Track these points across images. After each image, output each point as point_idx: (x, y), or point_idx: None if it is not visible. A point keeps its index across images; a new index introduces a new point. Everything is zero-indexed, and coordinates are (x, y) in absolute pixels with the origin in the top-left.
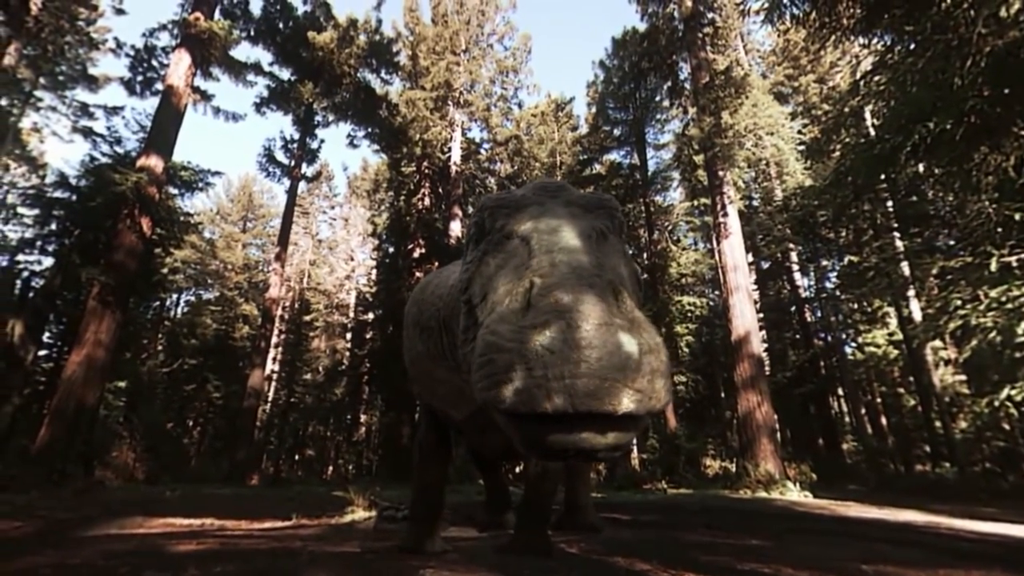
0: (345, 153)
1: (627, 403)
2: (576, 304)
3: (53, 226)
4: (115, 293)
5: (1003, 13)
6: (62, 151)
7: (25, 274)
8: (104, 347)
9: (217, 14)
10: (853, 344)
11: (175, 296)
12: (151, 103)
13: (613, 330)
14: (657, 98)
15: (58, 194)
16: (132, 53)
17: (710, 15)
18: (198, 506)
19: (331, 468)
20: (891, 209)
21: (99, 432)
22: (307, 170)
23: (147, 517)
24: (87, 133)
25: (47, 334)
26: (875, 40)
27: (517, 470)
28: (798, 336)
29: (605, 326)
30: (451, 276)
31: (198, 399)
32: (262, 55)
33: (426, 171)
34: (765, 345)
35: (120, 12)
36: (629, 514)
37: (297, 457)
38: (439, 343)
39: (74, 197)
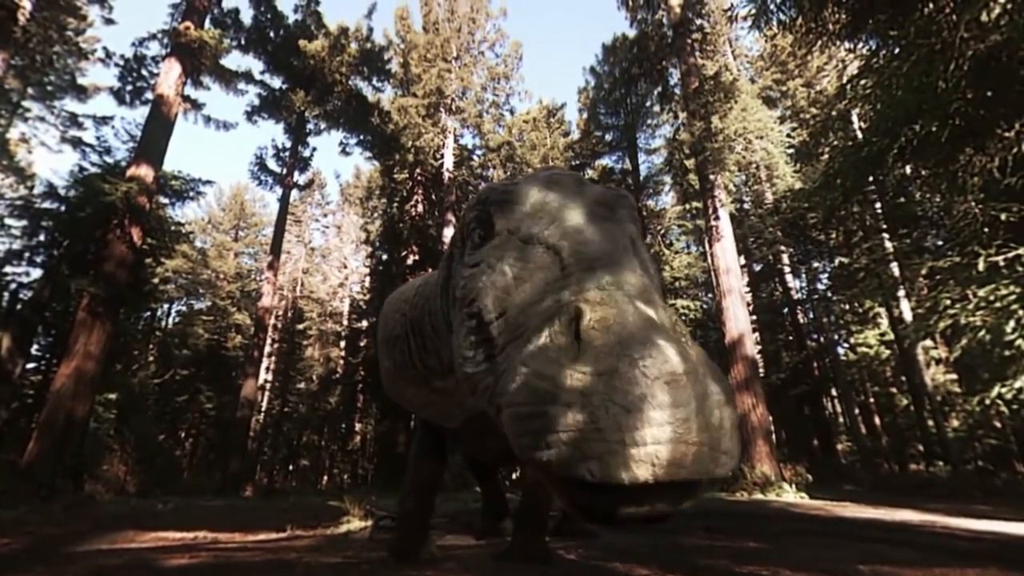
0: (337, 161)
1: (716, 469)
2: (647, 346)
3: (42, 237)
4: (105, 304)
5: (984, 17)
6: (51, 161)
7: (13, 286)
8: (94, 359)
9: (208, 23)
10: (845, 345)
11: (166, 306)
12: (141, 112)
13: (697, 382)
14: (648, 103)
15: (47, 205)
16: (121, 63)
17: (699, 21)
18: (191, 519)
19: (326, 478)
20: (880, 211)
21: (89, 445)
22: (299, 178)
23: (139, 531)
24: (76, 143)
25: (36, 346)
26: (861, 45)
27: (514, 476)
28: (791, 338)
29: (689, 376)
30: (416, 283)
31: (190, 410)
32: (253, 63)
33: (419, 178)
34: (759, 347)
35: (109, 22)
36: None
37: (291, 467)
38: (405, 351)
39: (63, 208)
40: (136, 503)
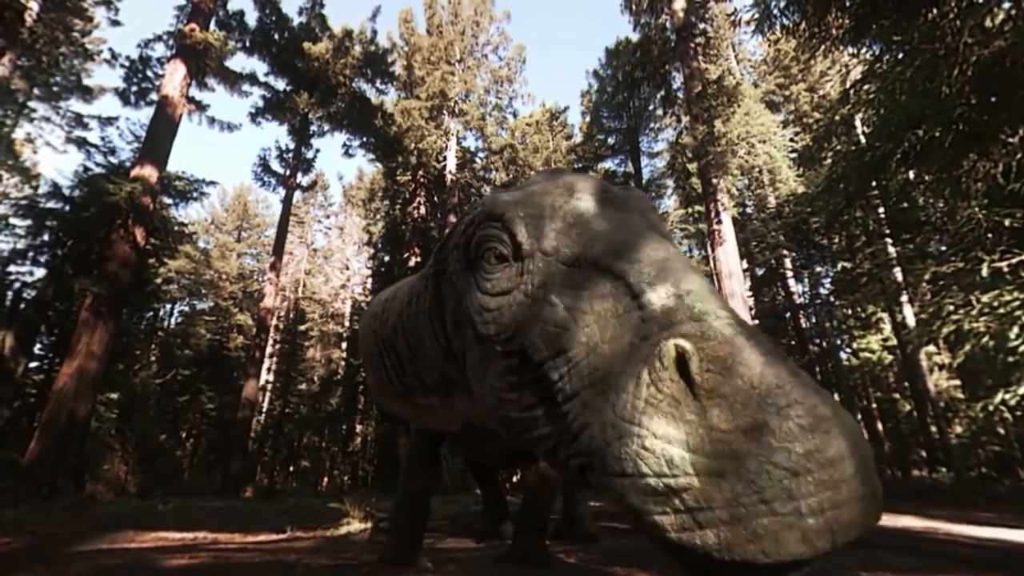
0: (340, 162)
1: (878, 517)
2: (785, 389)
3: (45, 237)
4: (108, 304)
5: (988, 23)
6: (56, 162)
7: (16, 285)
8: (96, 358)
9: (212, 25)
10: (848, 350)
11: (169, 306)
12: (146, 113)
13: (844, 423)
14: (651, 107)
15: (51, 204)
16: (127, 64)
17: (702, 25)
18: (191, 520)
19: (326, 479)
20: (883, 215)
21: (90, 445)
22: (302, 179)
23: (139, 531)
24: (81, 143)
25: (38, 346)
26: (864, 50)
27: (515, 479)
28: (793, 342)
29: (836, 419)
30: (383, 297)
31: (191, 410)
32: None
33: (421, 180)
34: None
35: (116, 24)
36: (628, 523)
37: (292, 469)
38: (381, 369)
39: (67, 207)
40: (136, 503)
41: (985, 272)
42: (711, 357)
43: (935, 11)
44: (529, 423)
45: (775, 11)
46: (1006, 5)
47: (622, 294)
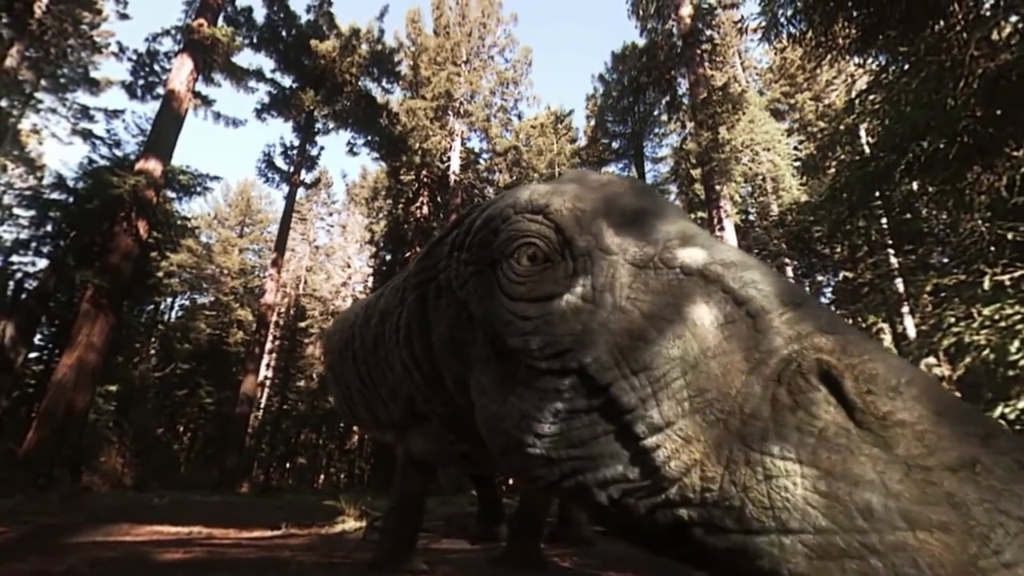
0: (344, 160)
1: None
2: (977, 417)
3: (48, 228)
4: (109, 296)
5: (995, 36)
6: (61, 153)
7: (19, 275)
8: (96, 350)
9: (221, 21)
10: None
11: (169, 300)
12: (152, 107)
13: None
14: (655, 112)
15: (55, 196)
16: (134, 57)
17: (708, 32)
18: (186, 514)
19: (322, 477)
20: (886, 226)
21: (88, 437)
22: (306, 176)
23: (134, 524)
24: (86, 135)
25: (39, 336)
26: (870, 60)
27: (511, 481)
28: None
29: None
30: (338, 329)
31: (189, 405)
32: (264, 62)
33: (425, 180)
34: None
35: (124, 17)
36: None
37: (288, 465)
38: (339, 399)
39: (71, 199)
40: (132, 496)
41: (987, 285)
42: (866, 376)
43: (941, 23)
44: (583, 464)
45: (782, 20)
46: (1013, 19)
47: (721, 300)
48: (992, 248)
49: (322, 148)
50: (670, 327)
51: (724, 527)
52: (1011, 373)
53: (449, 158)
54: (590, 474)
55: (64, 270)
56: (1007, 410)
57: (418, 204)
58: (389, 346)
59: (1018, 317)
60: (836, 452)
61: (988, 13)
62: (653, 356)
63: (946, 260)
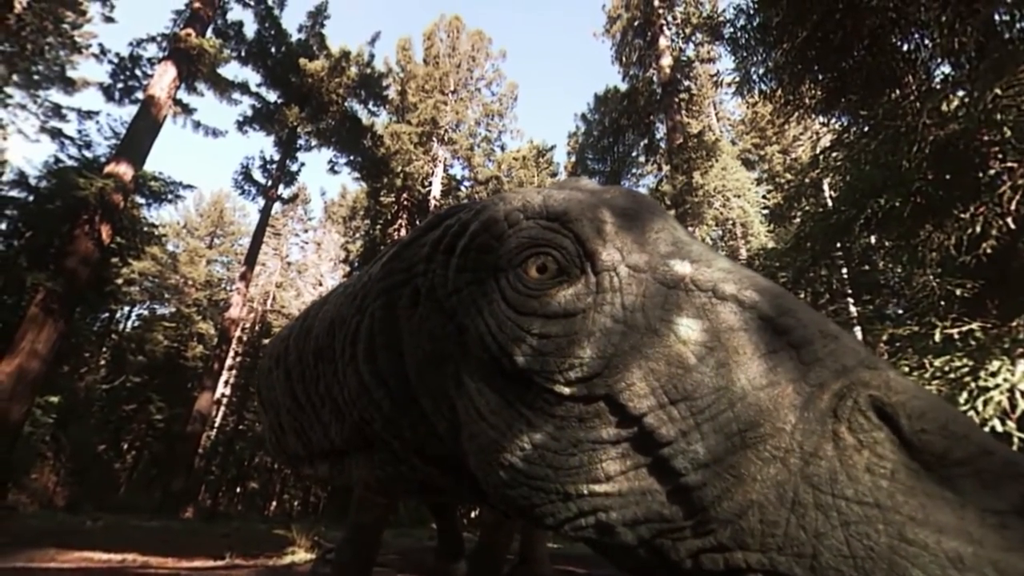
0: (324, 178)
1: None
2: (1006, 451)
3: (3, 226)
4: (61, 301)
5: (944, 107)
6: (25, 150)
7: None
8: (40, 358)
9: (209, 32)
10: None
11: (127, 309)
12: (129, 111)
13: None
14: (634, 153)
15: (14, 193)
16: (116, 60)
17: (686, 83)
18: (121, 540)
19: (274, 503)
20: (846, 276)
21: (20, 451)
22: (284, 191)
23: (61, 550)
24: (55, 134)
25: None
26: (834, 120)
27: (472, 514)
28: None
29: None
30: (273, 352)
31: (137, 420)
32: (251, 75)
33: (405, 203)
34: None
35: (109, 20)
36: (585, 568)
37: (239, 490)
38: (267, 429)
39: (31, 198)
40: (63, 518)
41: (938, 337)
42: (916, 413)
43: (898, 92)
44: (609, 502)
45: (754, 77)
46: (960, 93)
47: (761, 328)
48: (943, 302)
49: (303, 164)
50: (711, 354)
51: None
52: None
53: (431, 183)
54: (615, 512)
55: (14, 271)
56: None
57: (396, 226)
58: (343, 359)
59: (965, 369)
60: (912, 496)
61: (939, 87)
62: (695, 385)
63: (901, 311)
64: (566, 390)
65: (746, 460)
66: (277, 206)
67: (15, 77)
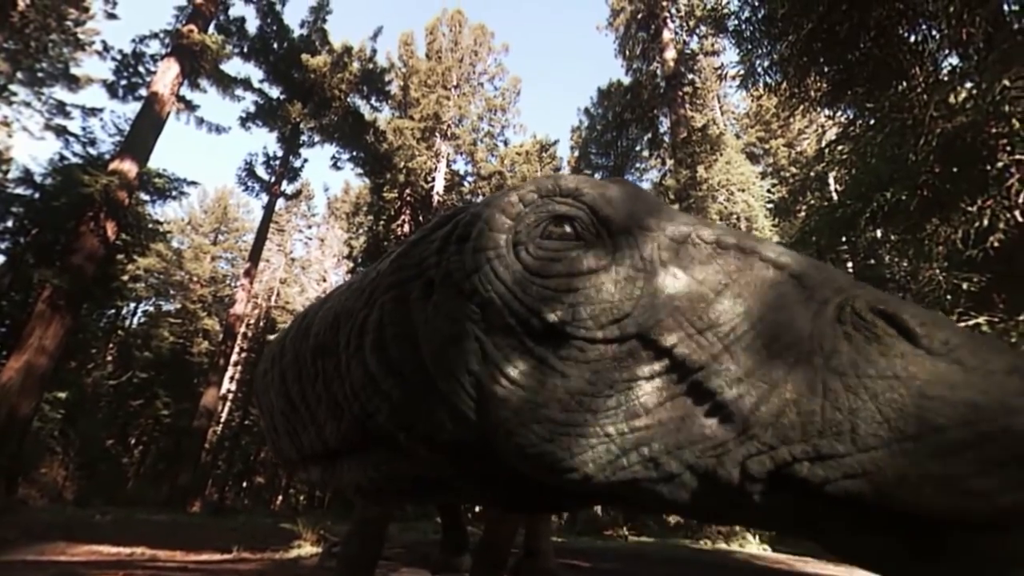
0: (328, 174)
1: None
2: (996, 341)
3: (9, 223)
4: (68, 297)
5: (952, 99)
6: (31, 147)
7: None
8: (47, 354)
9: (212, 29)
10: None
11: (132, 305)
12: (132, 108)
13: None
14: (637, 148)
15: (19, 190)
16: (119, 57)
17: (690, 76)
18: (130, 533)
19: (281, 498)
20: (851, 270)
21: (29, 446)
22: (287, 187)
23: (71, 543)
24: (60, 131)
25: None
26: (839, 113)
27: (476, 509)
28: None
29: None
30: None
31: (144, 416)
32: (253, 71)
33: (408, 198)
34: None
35: (112, 17)
36: (589, 561)
37: (245, 484)
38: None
39: (37, 195)
40: (72, 512)
41: None
42: (909, 312)
43: (904, 84)
44: (649, 434)
45: (759, 69)
46: (968, 85)
47: (763, 266)
48: (949, 296)
49: (306, 160)
50: (727, 289)
51: (836, 453)
52: None
53: (434, 179)
54: (658, 443)
55: (22, 268)
56: None
57: (400, 222)
58: (348, 351)
59: None
60: (923, 366)
61: (946, 79)
62: (718, 314)
63: None
64: (599, 334)
65: (775, 368)
66: (281, 202)
67: (19, 74)
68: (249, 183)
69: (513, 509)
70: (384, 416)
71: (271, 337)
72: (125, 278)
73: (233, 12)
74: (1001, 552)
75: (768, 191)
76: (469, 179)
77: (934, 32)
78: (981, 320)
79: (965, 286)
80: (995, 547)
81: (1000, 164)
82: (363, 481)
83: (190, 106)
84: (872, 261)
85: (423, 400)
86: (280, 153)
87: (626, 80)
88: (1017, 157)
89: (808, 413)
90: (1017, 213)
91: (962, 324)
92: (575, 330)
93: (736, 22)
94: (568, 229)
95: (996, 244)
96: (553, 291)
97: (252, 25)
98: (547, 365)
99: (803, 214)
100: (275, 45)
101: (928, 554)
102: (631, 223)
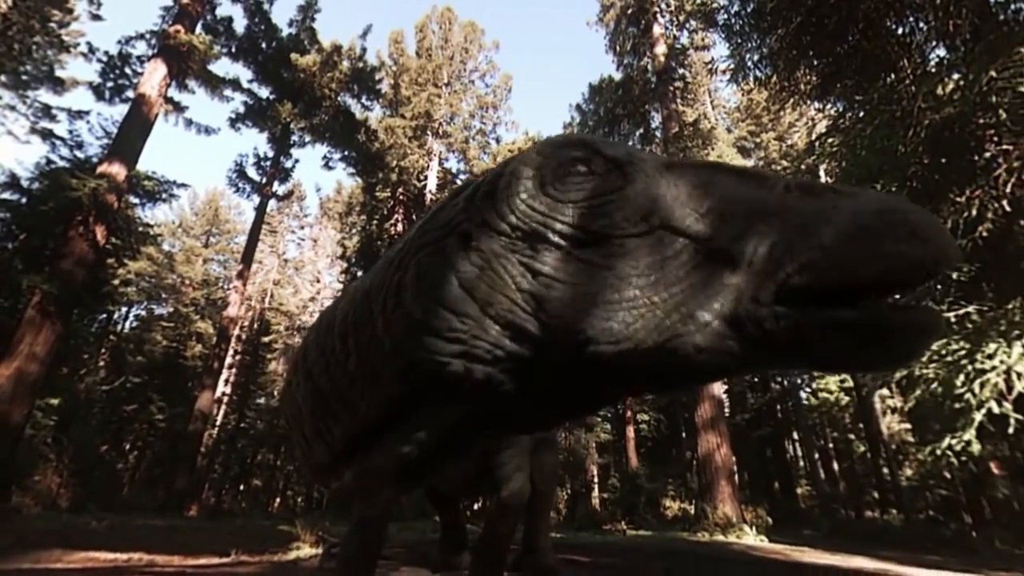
0: (319, 174)
1: None
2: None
3: None
4: (58, 303)
5: (940, 91)
6: (16, 152)
7: None
8: (38, 361)
9: (199, 28)
10: (808, 389)
11: (124, 309)
12: (120, 110)
13: None
14: (629, 143)
15: (6, 195)
16: (105, 59)
17: (681, 71)
18: (127, 539)
19: (278, 500)
20: None
21: (22, 453)
22: (279, 188)
23: (67, 550)
24: (46, 135)
25: None
26: (829, 105)
27: (475, 507)
28: (756, 379)
29: None
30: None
31: (138, 420)
32: (242, 72)
33: (400, 197)
34: (725, 387)
35: (96, 18)
36: (588, 556)
37: (242, 487)
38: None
39: (24, 200)
40: (67, 519)
41: None
42: (797, 184)
43: (893, 76)
44: (683, 296)
45: (749, 63)
46: (955, 76)
47: (729, 171)
48: (939, 286)
49: (297, 161)
50: (712, 185)
51: (810, 261)
52: (956, 406)
53: (426, 177)
54: (691, 300)
55: (10, 274)
56: (953, 442)
57: (392, 221)
58: (386, 313)
59: (963, 352)
60: (847, 199)
61: (934, 70)
62: (713, 201)
63: (897, 296)
64: (633, 230)
65: (759, 225)
66: (272, 203)
67: (2, 78)
68: (240, 184)
69: (555, 416)
70: (428, 355)
71: (265, 339)
72: (116, 282)
73: (220, 12)
74: (913, 323)
75: None
76: (462, 177)
77: (921, 24)
78: (971, 309)
79: (955, 275)
80: (907, 319)
81: (988, 154)
82: (389, 461)
83: (178, 107)
84: None
85: (479, 325)
86: (271, 154)
87: (617, 76)
88: (1004, 147)
89: (788, 243)
90: (1005, 203)
91: (952, 313)
92: (612, 231)
93: (726, 16)
94: (583, 168)
95: (985, 234)
96: (589, 208)
97: (240, 25)
98: (594, 265)
99: None
100: (264, 45)
101: (871, 341)
102: (632, 157)
